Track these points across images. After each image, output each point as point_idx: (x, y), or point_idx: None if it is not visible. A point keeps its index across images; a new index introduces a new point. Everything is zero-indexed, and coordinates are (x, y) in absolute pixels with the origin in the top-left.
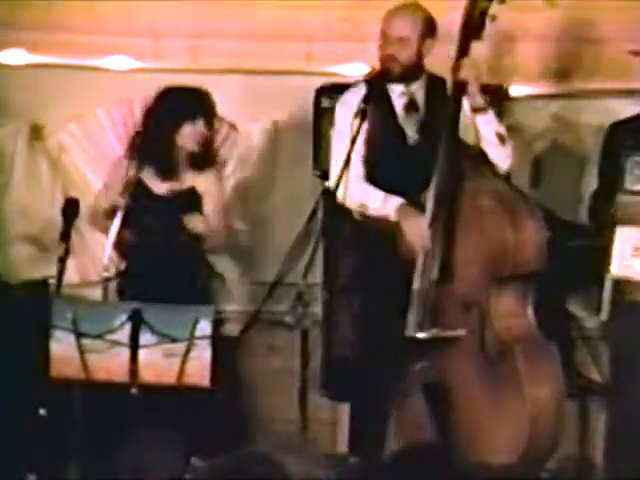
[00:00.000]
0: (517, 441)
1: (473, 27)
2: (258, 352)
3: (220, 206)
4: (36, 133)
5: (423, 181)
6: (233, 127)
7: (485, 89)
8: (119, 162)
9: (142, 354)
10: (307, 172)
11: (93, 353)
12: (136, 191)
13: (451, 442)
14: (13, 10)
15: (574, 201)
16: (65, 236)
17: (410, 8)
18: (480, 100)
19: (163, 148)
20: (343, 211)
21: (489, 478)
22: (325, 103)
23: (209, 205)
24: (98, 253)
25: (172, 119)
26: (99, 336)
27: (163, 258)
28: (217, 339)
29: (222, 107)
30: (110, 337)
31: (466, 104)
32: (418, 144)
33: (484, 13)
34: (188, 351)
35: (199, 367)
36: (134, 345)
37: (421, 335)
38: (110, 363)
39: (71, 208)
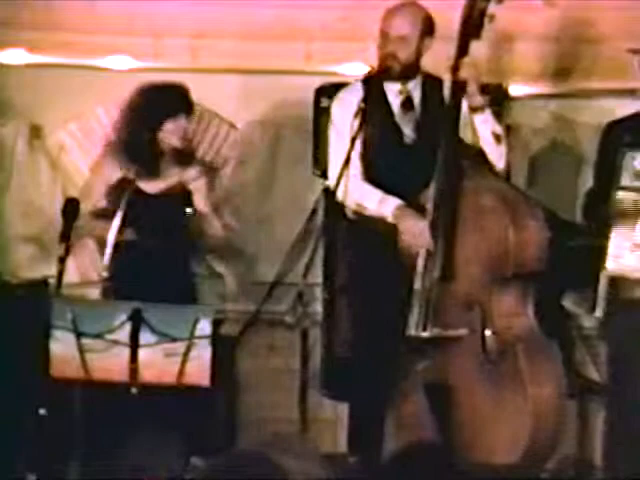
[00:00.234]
0: (519, 440)
1: (472, 27)
2: (258, 352)
3: (211, 200)
4: (36, 133)
5: (421, 181)
6: (233, 127)
7: (484, 88)
8: (100, 163)
9: (142, 354)
10: (307, 172)
11: (93, 353)
12: (126, 191)
13: (452, 442)
14: (13, 10)
15: (572, 200)
16: (65, 236)
17: (410, 7)
18: (479, 99)
19: (147, 146)
20: (343, 211)
21: (490, 478)
22: (325, 103)
23: (199, 200)
24: (98, 253)
25: (154, 117)
26: (99, 336)
27: (161, 258)
28: (217, 339)
29: (222, 107)
30: (110, 337)
31: (464, 103)
32: (415, 143)
33: (483, 13)
34: (188, 351)
35: (199, 367)
36: (134, 345)
37: (422, 335)
38: (110, 363)
39: (71, 208)
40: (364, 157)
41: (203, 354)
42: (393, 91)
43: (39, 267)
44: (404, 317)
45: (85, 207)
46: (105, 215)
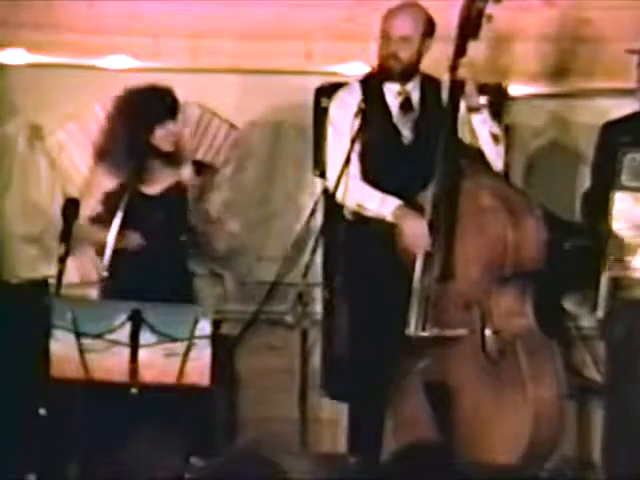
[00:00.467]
0: (519, 440)
1: (470, 27)
2: (258, 352)
3: (208, 197)
4: (36, 133)
5: (420, 181)
6: (233, 127)
7: (483, 89)
8: (94, 171)
9: (142, 354)
10: (307, 172)
11: (93, 353)
12: (124, 195)
13: (452, 441)
14: (13, 10)
15: (570, 200)
16: (65, 236)
17: (412, 7)
18: (477, 100)
19: (139, 154)
20: (342, 211)
21: (490, 478)
22: (325, 103)
23: (195, 198)
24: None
25: (145, 122)
26: (99, 336)
27: (161, 258)
28: (217, 339)
29: (222, 107)
30: (110, 337)
31: (462, 103)
32: (413, 144)
33: (481, 13)
34: (188, 351)
35: (199, 367)
36: (134, 345)
37: (422, 334)
38: (110, 363)
39: (71, 208)
40: (363, 158)
41: (203, 354)
42: (392, 92)
43: (39, 267)
44: (403, 317)
45: (83, 213)
46: (102, 221)
